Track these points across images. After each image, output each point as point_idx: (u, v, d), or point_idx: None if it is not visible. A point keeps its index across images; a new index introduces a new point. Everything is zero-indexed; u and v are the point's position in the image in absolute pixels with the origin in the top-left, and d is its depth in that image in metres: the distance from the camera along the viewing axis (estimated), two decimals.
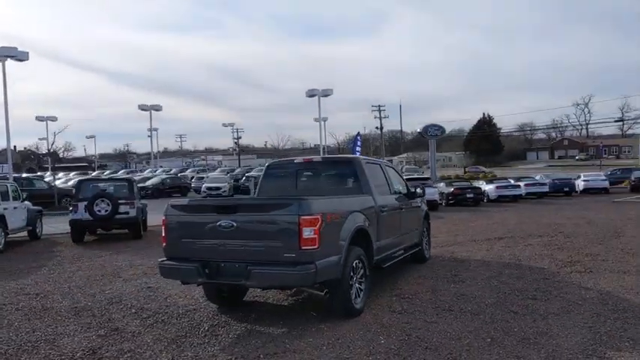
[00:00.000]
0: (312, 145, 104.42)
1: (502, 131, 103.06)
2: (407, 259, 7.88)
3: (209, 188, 33.64)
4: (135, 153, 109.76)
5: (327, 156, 6.53)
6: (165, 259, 5.51)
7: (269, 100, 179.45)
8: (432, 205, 22.20)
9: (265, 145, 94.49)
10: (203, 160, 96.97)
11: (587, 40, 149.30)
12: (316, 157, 7.46)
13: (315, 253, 4.80)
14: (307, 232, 4.76)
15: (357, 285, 5.50)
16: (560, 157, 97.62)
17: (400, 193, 7.53)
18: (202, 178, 40.72)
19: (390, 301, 6.15)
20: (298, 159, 7.28)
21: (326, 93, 37.63)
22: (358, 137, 27.94)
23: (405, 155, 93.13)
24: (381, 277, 7.12)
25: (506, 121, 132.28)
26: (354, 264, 5.41)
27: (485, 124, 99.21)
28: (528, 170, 55.63)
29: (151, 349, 4.73)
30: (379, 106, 72.16)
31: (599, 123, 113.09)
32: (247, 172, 40.35)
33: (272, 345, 4.72)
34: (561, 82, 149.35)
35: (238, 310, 6.01)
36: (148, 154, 74.92)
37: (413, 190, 7.93)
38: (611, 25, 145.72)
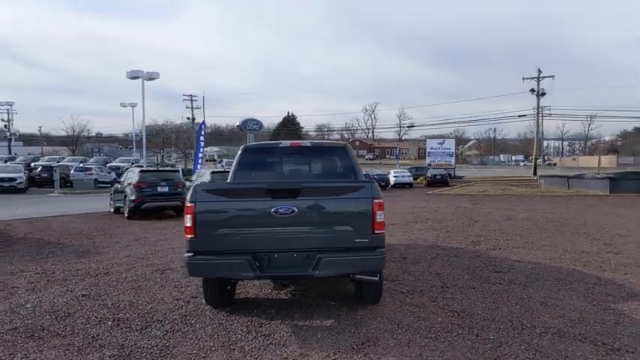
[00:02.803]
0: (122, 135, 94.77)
1: (304, 130, 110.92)
2: None
3: (1, 179, 27.88)
4: None
5: (315, 141, 6.20)
6: (192, 254, 4.65)
7: (51, 80, 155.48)
8: None
9: (40, 130, 79.94)
10: None
11: (374, 54, 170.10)
12: (304, 142, 7.09)
13: (384, 237, 4.73)
14: (380, 216, 4.66)
15: None
16: None
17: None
18: None
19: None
20: (284, 143, 6.79)
21: (152, 76, 34.67)
22: (202, 126, 26.64)
23: (217, 148, 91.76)
24: None
25: (308, 121, 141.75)
26: None
27: (290, 122, 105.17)
28: None
29: None
30: (191, 95, 69.70)
31: (382, 128, 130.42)
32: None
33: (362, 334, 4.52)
34: (353, 89, 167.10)
35: (245, 310, 5.48)
36: None
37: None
38: (392, 44, 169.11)
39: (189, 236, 4.66)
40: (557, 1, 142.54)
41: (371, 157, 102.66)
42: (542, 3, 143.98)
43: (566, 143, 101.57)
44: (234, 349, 4.28)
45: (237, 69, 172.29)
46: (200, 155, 24.95)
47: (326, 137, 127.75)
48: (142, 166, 24.65)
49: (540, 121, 43.19)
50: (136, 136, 61.62)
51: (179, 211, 16.30)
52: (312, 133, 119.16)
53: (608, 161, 58.91)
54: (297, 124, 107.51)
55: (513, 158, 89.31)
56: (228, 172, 23.65)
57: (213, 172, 20.24)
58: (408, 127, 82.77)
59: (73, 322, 5.14)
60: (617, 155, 68.43)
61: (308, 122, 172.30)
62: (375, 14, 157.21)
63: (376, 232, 4.65)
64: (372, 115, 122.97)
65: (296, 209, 4.57)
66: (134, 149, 59.95)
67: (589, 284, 6.27)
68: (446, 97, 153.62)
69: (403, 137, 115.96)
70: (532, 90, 41.19)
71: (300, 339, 4.48)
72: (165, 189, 16.09)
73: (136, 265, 8.10)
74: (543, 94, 40.76)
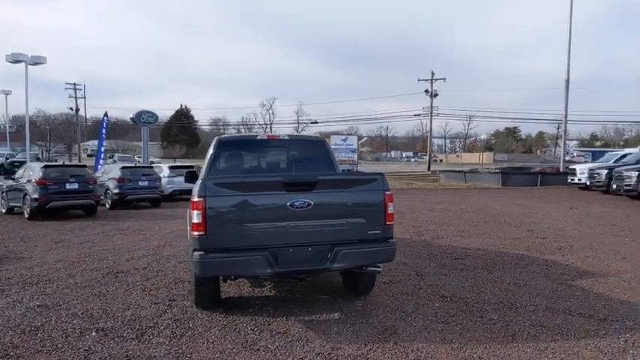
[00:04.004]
0: None
1: (199, 124, 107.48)
2: None
3: None
4: None
5: (293, 134, 5.98)
6: (203, 252, 4.32)
7: None
8: None
9: None
10: None
11: (270, 49, 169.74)
12: (282, 135, 6.84)
13: (393, 228, 4.84)
14: (390, 208, 4.75)
15: None
16: None
17: None
18: None
19: None
20: (260, 135, 6.54)
21: (37, 61, 31.10)
22: (105, 119, 24.37)
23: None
24: None
25: (203, 115, 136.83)
26: None
27: (183, 116, 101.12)
28: None
29: None
30: (74, 84, 64.01)
31: (280, 123, 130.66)
32: None
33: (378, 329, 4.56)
34: (250, 84, 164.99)
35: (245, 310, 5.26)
36: None
37: None
38: (288, 42, 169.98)
39: (198, 233, 4.34)
40: (442, 10, 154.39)
41: None
42: (430, 9, 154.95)
43: (448, 141, 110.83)
44: (258, 349, 4.09)
45: (123, 59, 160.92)
46: (102, 150, 22.95)
47: (222, 132, 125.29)
48: (31, 161, 22.11)
49: (431, 120, 46.51)
50: (9, 127, 54.88)
51: (90, 211, 15.06)
52: (206, 128, 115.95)
53: (486, 157, 65.43)
54: (192, 117, 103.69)
55: (404, 155, 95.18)
56: (143, 166, 22.50)
57: (123, 168, 18.93)
58: (311, 123, 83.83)
59: (49, 335, 4.52)
60: (494, 152, 76.44)
61: (203, 116, 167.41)
62: (269, 9, 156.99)
63: (387, 223, 4.74)
64: (270, 111, 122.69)
65: (312, 202, 4.49)
66: (7, 143, 53.26)
67: (541, 266, 6.99)
68: (342, 95, 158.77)
69: (301, 133, 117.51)
70: (426, 91, 44.34)
71: (320, 333, 4.41)
72: (75, 186, 14.62)
73: (76, 269, 7.30)
74: (436, 95, 44.09)
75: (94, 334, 4.54)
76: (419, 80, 44.75)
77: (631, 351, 3.93)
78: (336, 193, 4.67)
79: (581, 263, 7.12)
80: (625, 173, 16.51)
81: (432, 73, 43.98)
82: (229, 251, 4.37)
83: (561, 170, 29.87)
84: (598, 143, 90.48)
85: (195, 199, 4.34)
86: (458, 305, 5.20)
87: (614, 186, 17.28)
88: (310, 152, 6.55)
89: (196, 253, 4.32)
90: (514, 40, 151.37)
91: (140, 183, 17.92)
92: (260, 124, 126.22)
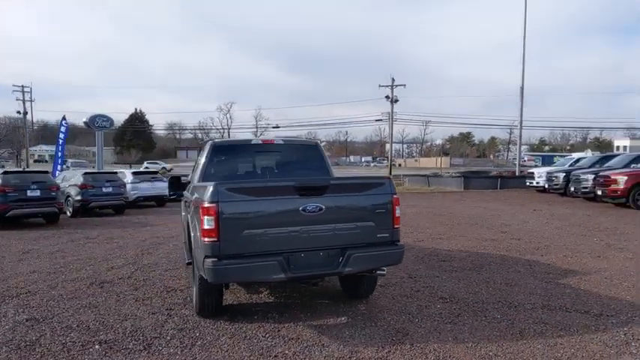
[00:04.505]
0: None
1: (154, 128, 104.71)
2: None
3: None
4: None
5: (288, 138, 5.92)
6: (215, 259, 4.23)
7: None
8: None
9: None
10: None
11: (227, 54, 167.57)
12: (277, 139, 6.77)
13: (399, 231, 4.91)
14: (397, 211, 4.83)
15: None
16: None
17: None
18: None
19: None
20: (255, 140, 6.46)
21: None
22: (64, 122, 23.21)
23: (49, 147, 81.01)
24: None
25: (159, 119, 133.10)
26: None
27: (138, 120, 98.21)
28: (187, 168, 58.06)
29: None
30: (22, 86, 61.01)
31: (238, 128, 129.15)
32: None
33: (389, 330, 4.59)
34: (207, 88, 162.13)
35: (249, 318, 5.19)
36: None
37: None
38: (245, 47, 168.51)
39: (211, 239, 4.24)
40: (398, 19, 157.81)
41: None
42: (386, 17, 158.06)
43: (405, 146, 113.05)
44: (276, 356, 4.05)
45: (70, 61, 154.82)
46: (60, 155, 21.91)
47: (178, 136, 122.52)
48: None
49: (392, 125, 47.36)
50: None
51: (53, 219, 14.39)
52: (162, 132, 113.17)
53: (443, 162, 67.31)
54: (147, 121, 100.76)
55: (363, 159, 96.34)
56: (106, 172, 21.82)
57: (85, 173, 18.21)
58: (273, 127, 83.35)
59: (48, 349, 4.30)
60: (450, 157, 78.71)
61: (158, 120, 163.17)
62: (226, 13, 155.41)
63: (395, 226, 4.81)
64: (228, 115, 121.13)
65: (323, 207, 4.49)
66: None
67: (526, 266, 7.26)
68: (301, 101, 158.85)
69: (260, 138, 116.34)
70: (387, 97, 45.08)
71: (333, 338, 4.41)
72: (37, 193, 13.95)
73: (56, 280, 6.97)
74: (396, 100, 44.94)
75: (97, 346, 4.35)
76: (380, 86, 45.52)
77: (633, 343, 4.16)
78: (346, 197, 4.69)
79: (561, 262, 7.45)
80: (582, 176, 17.41)
81: (393, 80, 44.85)
82: (242, 257, 4.30)
83: (517, 174, 31.11)
84: (547, 148, 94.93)
85: (207, 204, 4.25)
86: (459, 306, 5.33)
87: (572, 188, 18.17)
88: (305, 156, 6.54)
89: (209, 260, 4.22)
90: (467, 50, 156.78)
91: (104, 189, 17.28)
92: (218, 129, 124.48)
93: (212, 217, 4.22)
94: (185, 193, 7.61)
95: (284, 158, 6.45)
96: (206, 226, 4.25)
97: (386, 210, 4.76)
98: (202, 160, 6.18)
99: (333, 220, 4.56)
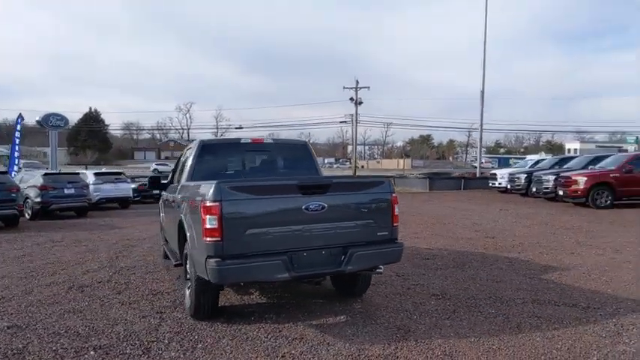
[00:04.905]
0: None
1: (110, 128, 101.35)
2: None
3: None
4: None
5: (277, 138, 5.87)
6: (219, 259, 4.12)
7: None
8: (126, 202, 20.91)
9: None
10: None
11: (186, 53, 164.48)
12: (266, 139, 6.67)
13: (398, 229, 4.96)
14: (396, 210, 4.88)
15: None
16: (167, 158, 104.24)
17: None
18: None
19: None
20: (244, 139, 6.34)
21: None
22: (20, 121, 22.00)
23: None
24: None
25: (115, 119, 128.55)
26: None
27: (93, 120, 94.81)
28: (146, 170, 56.04)
29: None
30: None
31: (199, 129, 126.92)
32: None
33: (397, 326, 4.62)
34: (165, 88, 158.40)
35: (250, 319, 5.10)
36: None
37: None
38: (204, 46, 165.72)
39: (213, 239, 4.14)
40: (360, 21, 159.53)
41: None
42: (346, 22, 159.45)
43: (367, 148, 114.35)
44: (284, 356, 3.99)
45: (20, 58, 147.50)
46: (16, 155, 20.82)
47: (135, 137, 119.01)
48: None
49: (356, 127, 47.84)
50: None
51: (12, 222, 13.68)
52: (118, 132, 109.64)
53: (404, 164, 68.48)
54: (102, 121, 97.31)
55: (326, 161, 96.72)
56: (67, 173, 21.16)
57: (45, 174, 17.44)
58: (236, 128, 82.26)
59: (39, 357, 4.09)
60: (411, 158, 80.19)
61: (114, 120, 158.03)
62: (182, 11, 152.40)
63: (394, 224, 4.86)
64: (188, 115, 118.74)
65: (326, 205, 4.48)
66: None
67: (506, 263, 7.49)
68: (263, 101, 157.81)
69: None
70: (351, 99, 45.48)
71: (337, 337, 4.40)
72: None
73: (30, 285, 6.64)
74: (361, 102, 45.42)
75: (92, 352, 4.17)
76: (344, 88, 45.82)
77: (624, 333, 4.36)
78: (347, 195, 4.70)
79: (538, 259, 7.73)
80: (544, 177, 18.14)
81: (357, 82, 45.31)
82: (246, 257, 4.22)
83: (477, 175, 32.08)
84: (502, 150, 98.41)
85: (209, 203, 4.15)
86: (452, 302, 5.43)
87: (534, 189, 18.90)
88: (294, 155, 6.52)
89: (212, 261, 4.12)
90: (427, 54, 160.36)
91: (66, 191, 16.62)
92: (177, 129, 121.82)
93: (215, 217, 4.13)
94: (166, 193, 7.42)
95: (273, 158, 6.40)
96: (208, 226, 4.15)
97: (386, 208, 4.81)
98: (190, 159, 6.04)
99: (335, 218, 4.56)
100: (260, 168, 6.34)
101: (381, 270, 5.12)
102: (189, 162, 6.02)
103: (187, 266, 5.24)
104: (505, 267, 7.21)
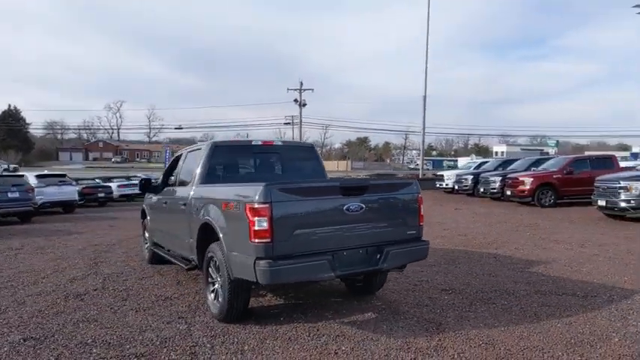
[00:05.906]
0: None
1: (31, 127, 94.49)
2: None
3: None
4: None
5: (287, 140, 5.86)
6: (270, 260, 4.14)
7: None
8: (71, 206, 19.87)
9: None
10: None
11: (114, 50, 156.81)
12: (276, 141, 6.67)
13: (423, 228, 5.22)
14: (422, 209, 5.14)
15: None
16: (95, 159, 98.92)
17: None
18: None
19: None
20: (255, 141, 6.31)
21: None
22: None
23: None
24: None
25: (36, 117, 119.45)
26: None
27: (11, 118, 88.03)
28: (73, 171, 51.80)
29: None
30: None
31: (129, 129, 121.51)
32: None
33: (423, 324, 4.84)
34: (93, 85, 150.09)
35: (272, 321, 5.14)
36: None
37: None
38: (135, 43, 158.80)
39: (263, 241, 4.16)
40: (298, 22, 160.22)
41: (119, 159, 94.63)
42: (286, 24, 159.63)
43: None
44: (337, 353, 4.10)
45: None
46: None
47: (60, 137, 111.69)
48: None
49: (301, 128, 48.16)
50: None
51: (26, 218, 15.64)
52: (40, 132, 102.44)
53: (344, 165, 69.81)
54: (22, 119, 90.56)
55: None
56: (11, 175, 20.08)
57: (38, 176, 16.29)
58: (175, 128, 79.60)
59: None
60: (350, 160, 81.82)
61: (36, 118, 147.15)
62: (111, 5, 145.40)
63: (420, 223, 5.11)
64: (118, 114, 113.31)
65: (364, 206, 4.64)
66: None
67: (492, 258, 8.00)
68: (197, 101, 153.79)
69: (153, 139, 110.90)
70: (295, 100, 45.76)
71: (378, 332, 4.56)
72: None
73: (18, 296, 6.27)
74: (305, 104, 45.78)
75: None
76: (288, 90, 46.03)
77: (629, 317, 4.88)
78: (382, 196, 4.90)
79: (518, 254, 8.34)
80: (491, 178, 19.34)
81: (301, 84, 45.66)
82: (293, 257, 4.28)
83: (420, 177, 33.44)
84: (434, 152, 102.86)
85: (258, 205, 4.17)
86: (464, 296, 5.78)
87: (481, 189, 20.08)
88: (302, 157, 6.65)
89: (263, 262, 4.14)
90: (363, 58, 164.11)
91: (9, 194, 15.47)
92: (106, 129, 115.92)
93: (265, 218, 4.15)
94: (160, 195, 7.22)
95: (283, 159, 6.46)
96: (257, 227, 4.16)
97: (414, 208, 5.05)
98: (202, 159, 5.95)
99: (371, 218, 4.74)
100: (270, 169, 6.38)
101: (402, 268, 5.35)
102: (199, 163, 5.92)
103: (210, 270, 5.19)
104: (492, 262, 7.71)
